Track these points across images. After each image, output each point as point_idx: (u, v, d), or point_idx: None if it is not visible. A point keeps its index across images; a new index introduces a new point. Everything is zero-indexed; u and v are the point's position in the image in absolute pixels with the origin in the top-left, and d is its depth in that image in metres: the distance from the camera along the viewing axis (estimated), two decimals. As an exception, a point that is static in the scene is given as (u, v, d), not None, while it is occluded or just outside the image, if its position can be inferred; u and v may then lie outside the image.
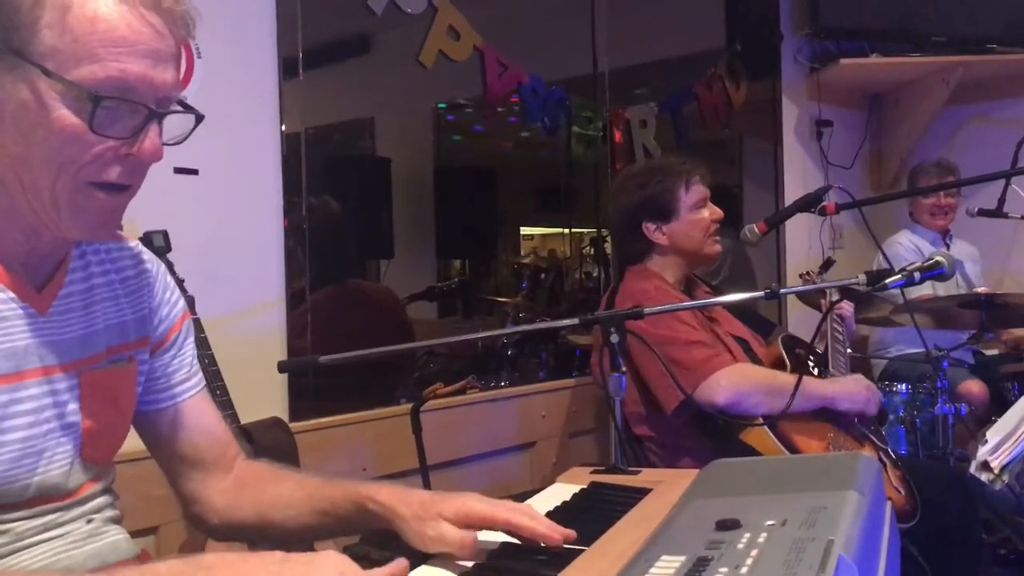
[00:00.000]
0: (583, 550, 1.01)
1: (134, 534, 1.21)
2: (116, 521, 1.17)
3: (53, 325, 1.05)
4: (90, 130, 0.93)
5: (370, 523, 1.14)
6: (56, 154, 0.95)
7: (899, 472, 2.16)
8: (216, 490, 1.25)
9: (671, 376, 1.94)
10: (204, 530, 1.30)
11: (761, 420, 2.08)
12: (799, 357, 2.36)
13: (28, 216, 1.00)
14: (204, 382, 1.28)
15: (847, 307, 2.61)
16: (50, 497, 1.06)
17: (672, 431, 2.24)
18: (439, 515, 1.06)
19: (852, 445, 2.16)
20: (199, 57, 2.10)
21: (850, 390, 2.21)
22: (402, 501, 1.10)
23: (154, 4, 0.96)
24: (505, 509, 1.06)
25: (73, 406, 1.07)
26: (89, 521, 1.11)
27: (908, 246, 3.63)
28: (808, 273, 3.06)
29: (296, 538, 1.21)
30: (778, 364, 2.31)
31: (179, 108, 1.01)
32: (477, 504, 1.06)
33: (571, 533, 1.05)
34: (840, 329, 2.50)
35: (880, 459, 2.16)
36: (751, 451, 2.06)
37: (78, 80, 0.92)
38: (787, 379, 2.14)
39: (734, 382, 2.10)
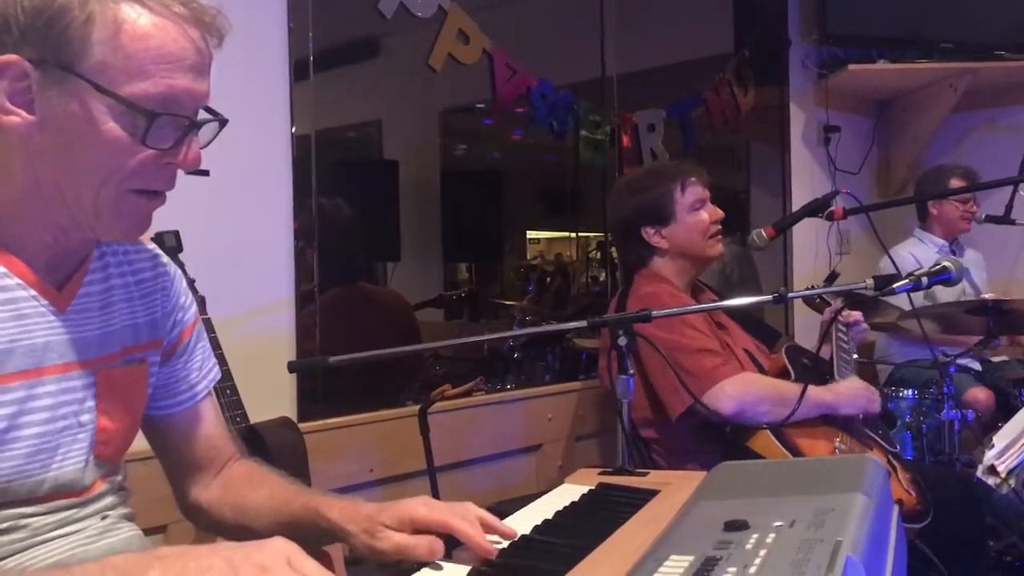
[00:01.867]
0: (592, 549, 1.02)
1: (143, 532, 1.22)
2: (130, 518, 1.19)
3: (71, 323, 1.07)
4: (142, 143, 0.97)
5: (328, 538, 1.17)
6: (102, 165, 0.98)
7: (909, 475, 2.16)
8: (204, 488, 1.28)
9: (679, 382, 1.94)
10: (194, 524, 1.34)
11: (766, 425, 2.08)
12: (803, 367, 2.36)
13: (61, 219, 1.02)
14: (211, 385, 1.30)
15: (855, 314, 2.60)
16: (65, 493, 1.07)
17: (678, 435, 2.25)
18: (384, 526, 1.08)
19: (859, 450, 2.16)
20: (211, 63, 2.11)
21: (849, 394, 2.22)
22: (349, 519, 1.12)
23: (195, 20, 0.99)
24: (445, 513, 1.07)
25: (89, 404, 1.09)
26: (104, 517, 1.13)
27: (910, 259, 3.57)
28: (813, 287, 3.05)
29: None
30: (782, 374, 2.31)
31: (208, 115, 1.04)
32: (419, 509, 1.08)
33: (511, 533, 1.07)
34: (845, 337, 2.49)
35: (889, 462, 2.17)
36: (757, 457, 2.06)
37: (129, 95, 0.95)
38: (792, 388, 2.14)
39: (739, 392, 2.11)
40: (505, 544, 1.07)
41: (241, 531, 1.26)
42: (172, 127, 0.99)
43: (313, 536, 1.17)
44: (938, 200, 3.70)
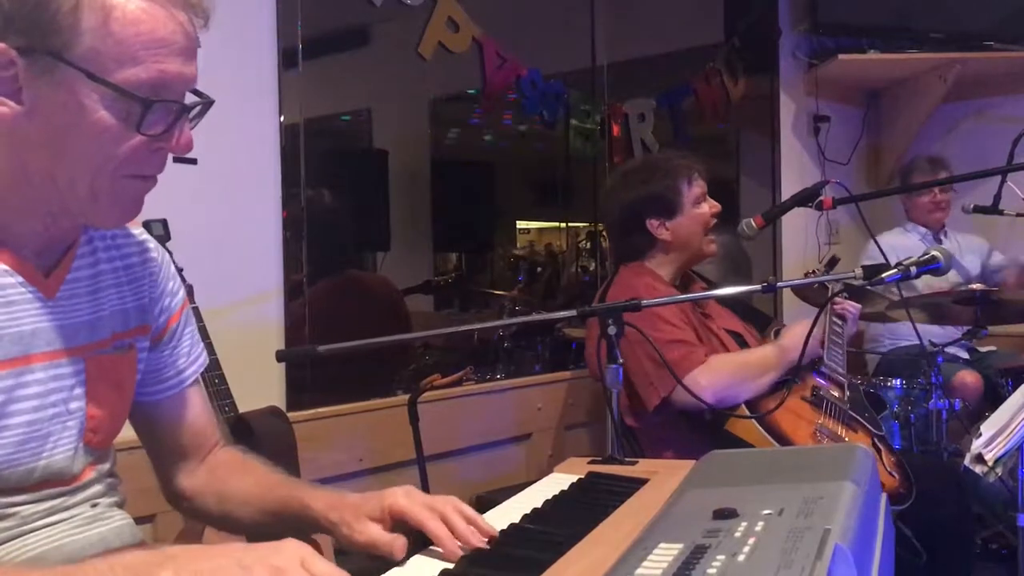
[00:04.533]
0: (581, 538, 1.02)
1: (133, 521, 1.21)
2: (120, 506, 1.18)
3: (60, 310, 1.06)
4: (137, 131, 0.96)
5: (311, 528, 1.15)
6: (95, 153, 0.97)
7: (894, 458, 2.17)
8: (187, 474, 1.27)
9: (667, 368, 1.94)
10: (178, 510, 1.32)
11: (747, 411, 2.09)
12: None
13: (53, 207, 1.02)
14: (199, 371, 1.29)
15: (851, 307, 2.59)
16: (55, 481, 1.06)
17: (658, 424, 2.25)
18: (367, 516, 1.07)
19: (841, 431, 2.16)
20: (199, 46, 2.09)
21: (792, 340, 2.22)
22: (332, 508, 1.10)
23: (182, 2, 0.98)
24: (422, 511, 1.05)
25: (79, 391, 1.08)
26: (94, 505, 1.12)
27: (895, 246, 3.55)
28: (814, 272, 3.04)
29: (253, 532, 1.22)
30: None
31: (196, 97, 1.03)
32: (401, 500, 1.07)
33: (491, 532, 1.04)
34: (839, 325, 2.49)
35: (874, 444, 2.18)
36: (738, 441, 2.06)
37: (121, 82, 0.94)
38: (754, 355, 2.19)
39: (712, 380, 2.11)
40: (497, 534, 1.06)
41: (225, 520, 1.25)
42: (164, 112, 0.98)
43: (297, 526, 1.16)
44: (906, 194, 3.75)
